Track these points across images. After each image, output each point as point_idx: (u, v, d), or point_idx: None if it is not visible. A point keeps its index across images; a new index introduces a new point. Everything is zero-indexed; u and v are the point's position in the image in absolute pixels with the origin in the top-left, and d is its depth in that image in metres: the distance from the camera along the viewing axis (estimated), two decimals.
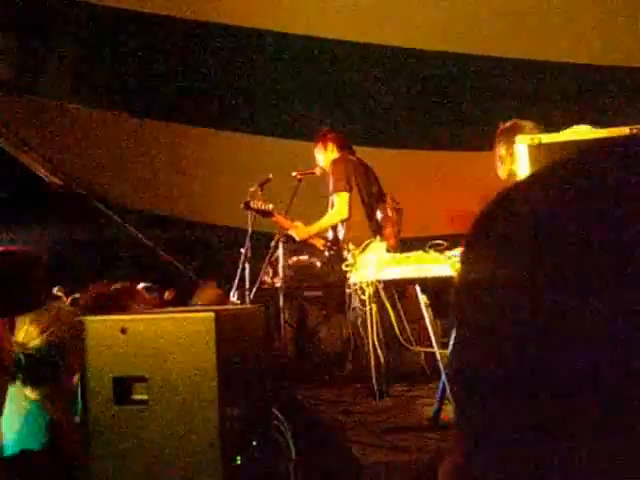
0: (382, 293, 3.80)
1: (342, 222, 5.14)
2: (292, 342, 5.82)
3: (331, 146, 5.21)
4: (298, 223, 5.07)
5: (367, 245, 4.73)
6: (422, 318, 3.90)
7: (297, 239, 5.10)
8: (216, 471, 2.14)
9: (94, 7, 5.74)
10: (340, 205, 5.04)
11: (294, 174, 5.18)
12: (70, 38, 6.21)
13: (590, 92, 5.90)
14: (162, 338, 2.20)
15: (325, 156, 5.21)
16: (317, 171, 5.25)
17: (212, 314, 2.20)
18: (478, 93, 6.36)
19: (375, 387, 4.16)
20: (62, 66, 6.58)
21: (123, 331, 2.22)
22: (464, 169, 6.90)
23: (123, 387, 2.22)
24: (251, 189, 5.04)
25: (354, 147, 5.41)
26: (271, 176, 5.09)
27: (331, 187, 5.11)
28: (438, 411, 3.69)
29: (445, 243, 3.67)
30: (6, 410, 2.67)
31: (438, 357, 3.72)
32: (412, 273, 3.61)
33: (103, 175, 8.47)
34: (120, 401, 2.21)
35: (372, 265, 3.72)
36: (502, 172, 3.69)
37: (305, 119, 6.77)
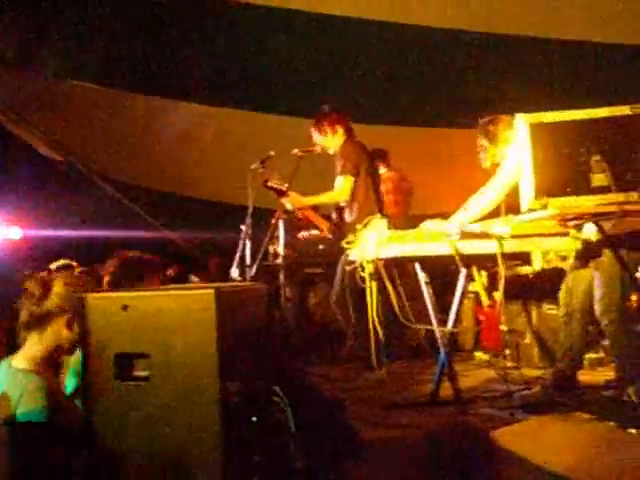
0: (382, 271, 3.81)
1: (346, 204, 5.14)
2: (292, 319, 5.85)
3: (340, 130, 5.18)
4: (292, 193, 5.04)
5: (368, 222, 4.74)
6: (422, 296, 3.92)
7: (290, 208, 5.08)
8: (216, 446, 2.16)
9: None
10: (344, 187, 5.06)
11: (295, 151, 5.15)
12: (74, 13, 6.16)
13: (598, 70, 5.87)
14: (163, 315, 2.21)
15: (332, 139, 5.18)
16: (318, 148, 5.22)
17: (212, 291, 2.22)
18: (486, 71, 6.32)
19: (374, 360, 4.22)
20: (66, 42, 6.53)
21: (124, 308, 2.23)
22: (472, 147, 6.87)
23: (124, 363, 2.23)
24: (252, 166, 5.01)
25: (362, 125, 5.39)
26: (273, 153, 5.05)
27: (339, 169, 5.09)
28: (436, 388, 3.73)
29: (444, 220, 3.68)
30: None
31: (437, 334, 3.73)
32: (412, 251, 3.61)
33: (104, 152, 8.45)
34: (121, 377, 2.23)
35: (372, 243, 3.71)
36: (485, 162, 3.93)
37: (308, 97, 6.73)
